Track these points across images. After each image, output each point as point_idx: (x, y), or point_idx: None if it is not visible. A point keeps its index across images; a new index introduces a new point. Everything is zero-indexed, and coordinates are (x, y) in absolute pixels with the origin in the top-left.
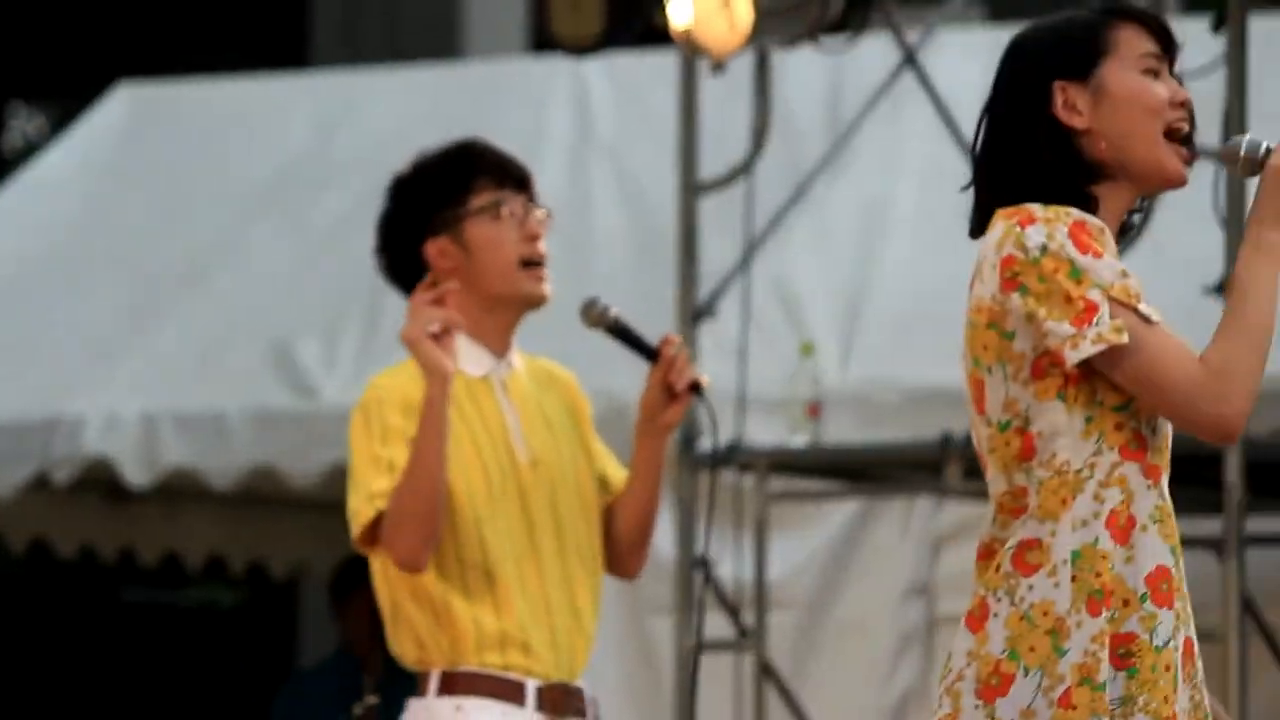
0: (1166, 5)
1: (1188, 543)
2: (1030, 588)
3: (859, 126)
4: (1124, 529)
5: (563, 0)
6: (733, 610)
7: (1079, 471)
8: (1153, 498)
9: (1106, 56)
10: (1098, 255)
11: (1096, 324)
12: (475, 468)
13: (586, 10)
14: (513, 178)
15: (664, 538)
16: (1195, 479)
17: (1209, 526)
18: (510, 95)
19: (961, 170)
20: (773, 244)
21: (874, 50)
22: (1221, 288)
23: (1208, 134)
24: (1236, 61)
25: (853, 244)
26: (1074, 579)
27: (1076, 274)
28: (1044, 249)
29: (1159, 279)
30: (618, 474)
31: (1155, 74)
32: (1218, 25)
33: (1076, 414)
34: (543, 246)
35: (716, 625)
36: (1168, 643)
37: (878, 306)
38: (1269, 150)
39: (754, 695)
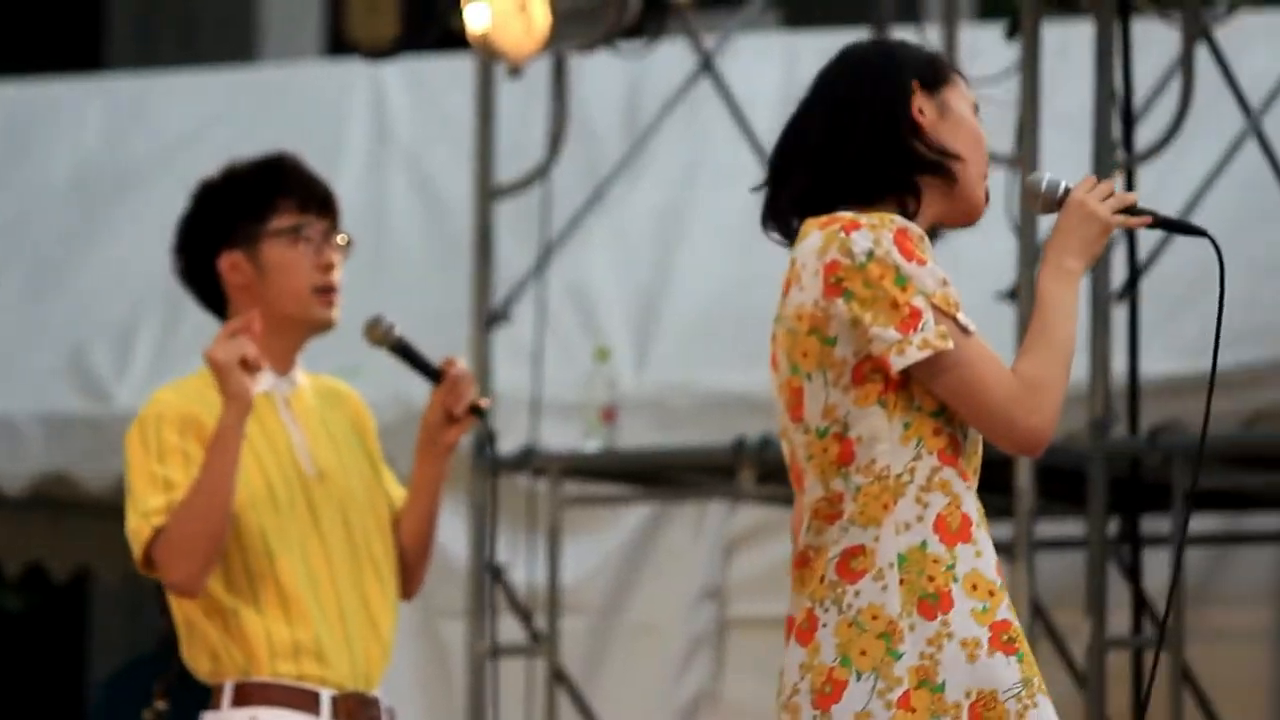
0: (960, 12)
1: None
2: (857, 594)
3: (656, 131)
4: (961, 529)
5: (359, 3)
6: (525, 615)
7: (899, 476)
8: (974, 500)
9: (950, 84)
10: (921, 262)
11: (922, 330)
12: (259, 482)
13: (383, 14)
14: (316, 201)
15: (457, 542)
16: (985, 484)
17: (999, 531)
18: (307, 98)
19: (758, 174)
20: (569, 248)
21: (671, 55)
22: (1014, 294)
23: (1002, 140)
24: (1030, 68)
25: (649, 249)
26: (902, 582)
27: (902, 280)
28: (870, 255)
29: (954, 283)
30: (398, 492)
31: None
32: (1011, 32)
33: (896, 420)
34: (337, 276)
35: (509, 630)
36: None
37: (673, 311)
38: (1067, 190)
39: (546, 700)
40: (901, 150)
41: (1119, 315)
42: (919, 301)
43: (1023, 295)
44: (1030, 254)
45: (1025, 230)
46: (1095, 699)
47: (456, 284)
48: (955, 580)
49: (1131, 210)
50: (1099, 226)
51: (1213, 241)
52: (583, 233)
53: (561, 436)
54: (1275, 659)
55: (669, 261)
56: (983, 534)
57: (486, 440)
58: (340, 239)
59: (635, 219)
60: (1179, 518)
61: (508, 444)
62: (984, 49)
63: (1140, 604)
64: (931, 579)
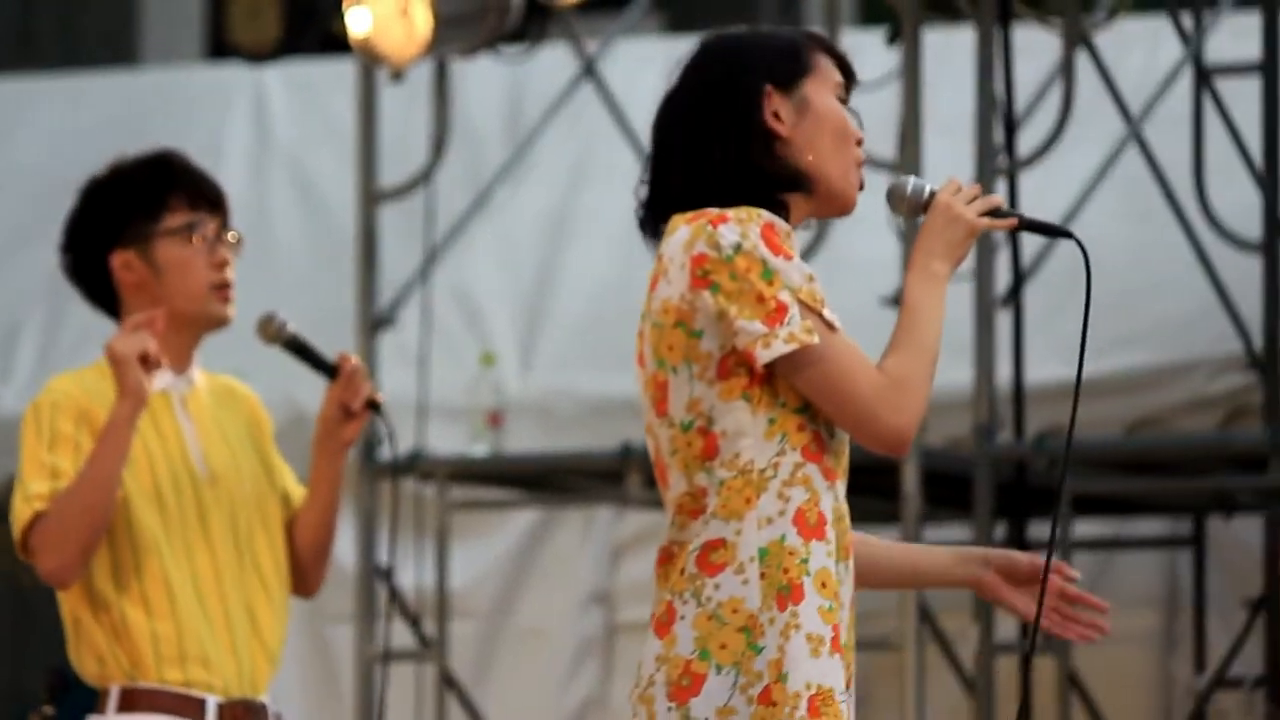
0: (841, 17)
1: None
2: (717, 586)
3: (539, 135)
4: (817, 525)
5: (241, 7)
6: (414, 620)
7: (763, 471)
8: (833, 499)
9: (810, 74)
10: (788, 257)
11: (788, 324)
12: (150, 481)
13: (265, 17)
14: (208, 199)
15: (344, 546)
16: (871, 489)
17: (886, 536)
18: (188, 103)
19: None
20: (453, 252)
21: (553, 59)
22: (898, 299)
23: (883, 146)
24: (911, 74)
25: (534, 252)
26: (763, 576)
27: (769, 274)
28: (738, 248)
29: (836, 286)
30: (297, 490)
31: (844, 104)
32: (893, 38)
33: (760, 414)
34: (231, 272)
35: (397, 634)
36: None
37: (559, 315)
38: (932, 194)
39: (435, 705)
40: (754, 171)
41: (1003, 320)
42: (785, 296)
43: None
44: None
45: (909, 235)
46: (983, 704)
47: (341, 288)
48: (808, 574)
49: (997, 213)
50: (964, 229)
51: (1079, 243)
52: (467, 237)
53: (448, 441)
54: (1160, 662)
55: (554, 265)
56: (836, 534)
57: (385, 436)
58: (231, 236)
59: (519, 223)
60: (1060, 521)
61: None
62: (865, 54)
63: None
64: (786, 571)
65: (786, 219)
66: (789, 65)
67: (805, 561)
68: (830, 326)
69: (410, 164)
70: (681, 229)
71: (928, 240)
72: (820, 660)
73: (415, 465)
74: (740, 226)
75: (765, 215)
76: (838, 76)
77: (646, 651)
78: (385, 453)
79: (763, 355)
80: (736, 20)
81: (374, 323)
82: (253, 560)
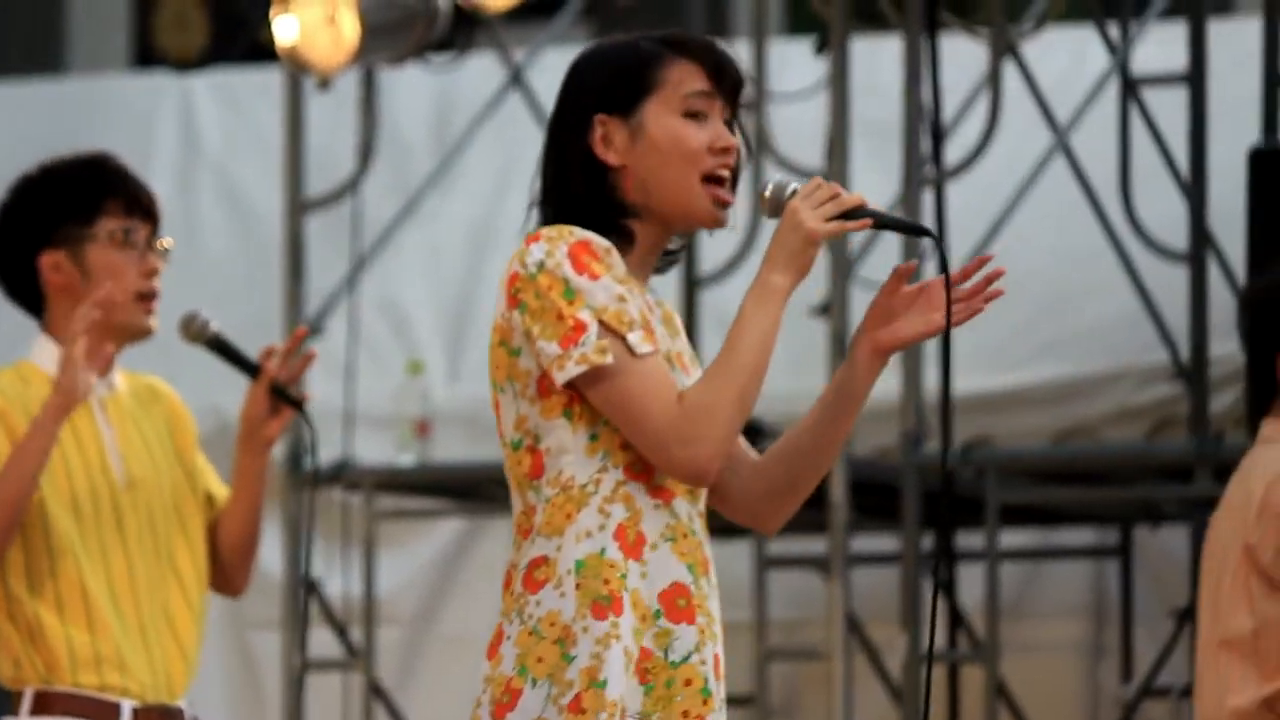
0: (769, 27)
1: (793, 562)
2: (538, 603)
3: (467, 144)
4: (635, 545)
5: (168, 15)
6: (340, 629)
7: (584, 487)
8: (663, 517)
9: (651, 94)
10: (594, 276)
11: (582, 344)
12: (67, 486)
13: (191, 25)
14: (143, 206)
15: (271, 555)
16: None
17: (814, 546)
18: (114, 111)
19: None
20: (381, 261)
21: (481, 68)
22: (826, 309)
23: (811, 155)
24: (839, 83)
25: (461, 261)
26: (579, 586)
27: (570, 293)
28: (541, 266)
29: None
30: (220, 491)
31: (701, 115)
32: (821, 47)
33: (581, 431)
34: (158, 282)
35: (323, 642)
36: (688, 658)
37: (485, 323)
38: (794, 193)
39: (362, 713)
40: (584, 205)
41: None
42: (584, 315)
43: (835, 310)
44: (843, 267)
45: (836, 243)
46: (911, 714)
47: (267, 297)
48: (626, 590)
49: (852, 214)
50: (803, 236)
51: (935, 240)
52: (394, 246)
53: (375, 450)
54: (1088, 672)
55: (480, 274)
56: (659, 555)
57: (307, 445)
58: (162, 244)
59: (446, 232)
60: (991, 532)
61: (321, 457)
62: (793, 63)
63: (955, 619)
64: (607, 582)
65: (634, 245)
66: (624, 89)
67: (625, 577)
68: (632, 351)
69: (337, 173)
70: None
71: (771, 249)
72: (629, 677)
73: (342, 474)
74: (548, 245)
75: (579, 234)
76: (696, 84)
77: (482, 676)
78: (310, 460)
79: (558, 377)
80: (663, 25)
81: None
82: (171, 565)
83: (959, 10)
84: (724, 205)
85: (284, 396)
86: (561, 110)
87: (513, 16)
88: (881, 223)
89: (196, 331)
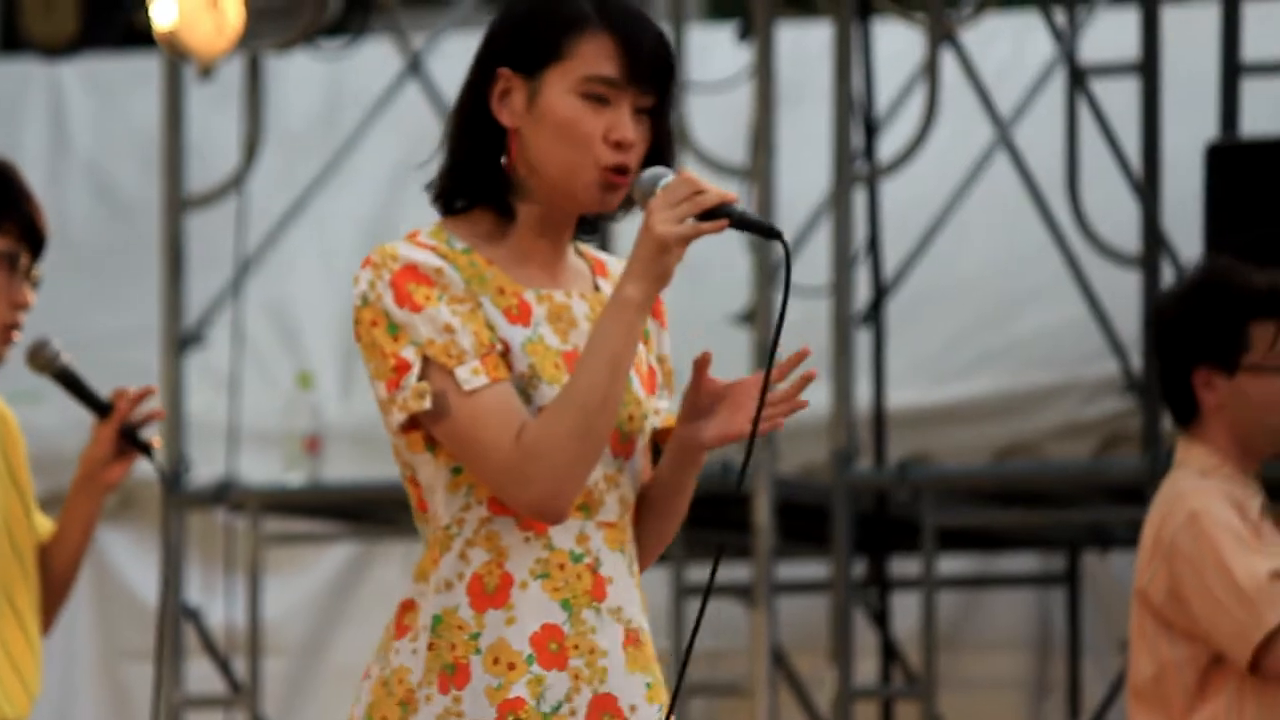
0: (688, 12)
1: (715, 590)
2: (396, 652)
3: (361, 136)
4: (498, 590)
5: None
6: (222, 661)
7: (447, 529)
8: (534, 551)
9: (556, 63)
10: (416, 309)
11: (403, 387)
12: None
13: (61, 8)
14: (37, 233)
15: (145, 581)
16: (721, 522)
17: (737, 573)
18: None
19: None
20: (268, 264)
21: (376, 55)
22: (750, 316)
23: (735, 151)
24: (764, 73)
25: (355, 264)
26: (430, 647)
27: (394, 329)
28: (365, 299)
29: (696, 305)
30: (45, 526)
31: (604, 99)
32: (744, 34)
33: (443, 466)
34: (24, 316)
35: (204, 675)
36: (558, 708)
37: None
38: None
39: None
40: (471, 165)
41: (862, 339)
42: (408, 353)
43: (759, 317)
44: (766, 274)
45: (760, 245)
46: None
47: (145, 303)
48: (478, 651)
49: (711, 214)
50: (654, 242)
51: (784, 244)
52: (282, 247)
53: (261, 469)
54: (1032, 708)
55: None
56: (528, 596)
57: (188, 462)
58: (36, 275)
59: (340, 231)
60: (927, 557)
61: (203, 476)
62: (715, 51)
63: (889, 651)
64: (454, 647)
65: (511, 219)
66: (534, 48)
67: (476, 637)
68: (461, 386)
69: (220, 168)
70: None
71: (631, 255)
72: None
73: (225, 495)
74: (372, 274)
75: (404, 256)
76: (604, 68)
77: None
78: (193, 480)
79: (389, 423)
80: None
81: (181, 340)
82: (6, 596)
83: None
84: (612, 187)
85: (133, 440)
86: (476, 56)
87: (409, 0)
88: (739, 223)
89: (45, 361)
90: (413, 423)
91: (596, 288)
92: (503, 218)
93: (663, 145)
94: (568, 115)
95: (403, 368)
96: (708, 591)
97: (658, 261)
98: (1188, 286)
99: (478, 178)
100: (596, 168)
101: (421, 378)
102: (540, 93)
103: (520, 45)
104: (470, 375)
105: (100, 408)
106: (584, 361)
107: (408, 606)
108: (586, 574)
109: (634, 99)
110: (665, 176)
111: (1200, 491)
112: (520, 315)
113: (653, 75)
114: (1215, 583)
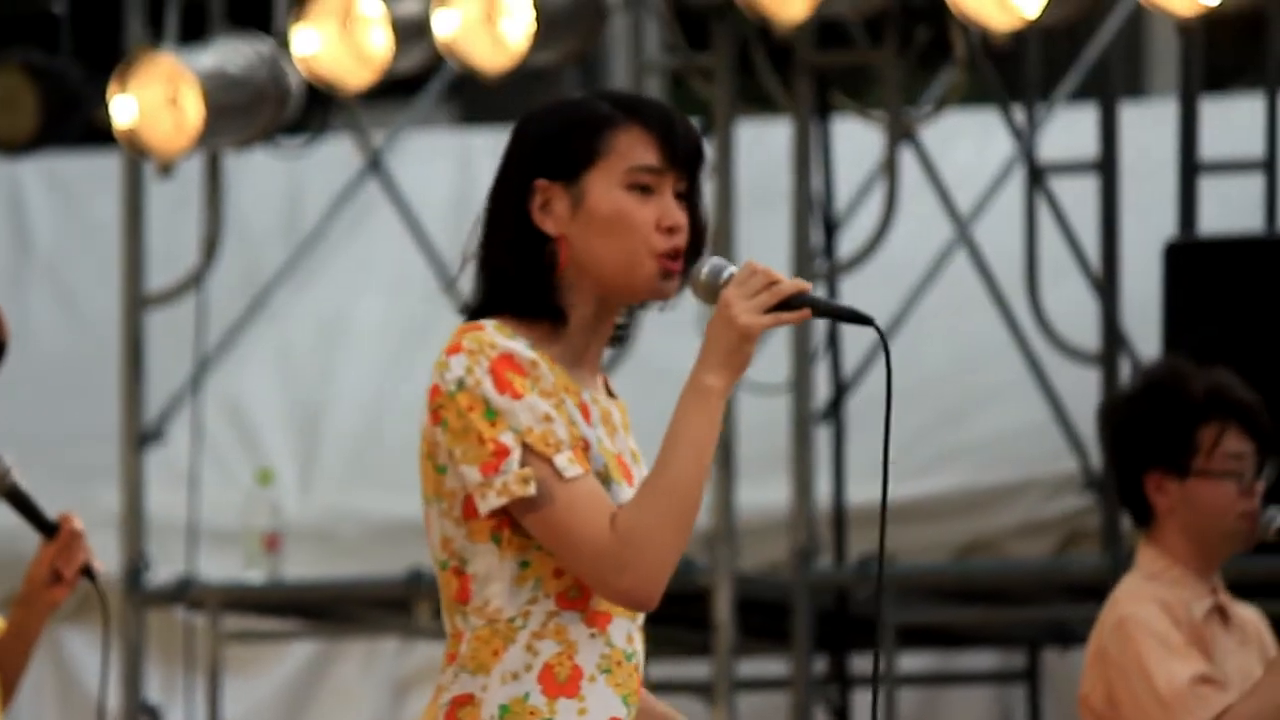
0: None
1: (673, 687)
2: None
3: (321, 235)
4: (569, 681)
5: None
6: None
7: (511, 620)
8: (599, 647)
9: (596, 162)
10: (517, 395)
11: (503, 472)
12: None
13: (20, 105)
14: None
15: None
16: (681, 619)
17: (697, 670)
18: None
19: (431, 281)
20: (227, 362)
21: (336, 153)
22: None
23: None
24: (724, 170)
25: (314, 362)
26: None
27: (491, 415)
28: (461, 384)
29: (643, 390)
30: None
31: (648, 189)
32: (704, 131)
33: (510, 558)
34: None
35: None
36: None
37: (340, 430)
38: (730, 278)
39: None
40: (521, 279)
41: (823, 435)
42: (507, 439)
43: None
44: (804, 347)
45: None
46: None
47: (105, 400)
48: None
49: (789, 304)
50: (738, 332)
51: (879, 332)
52: (241, 345)
53: (221, 567)
54: None
55: (335, 376)
56: (597, 689)
57: (147, 560)
58: None
59: (299, 330)
60: (887, 654)
61: (162, 574)
62: None
63: None
64: None
65: (565, 323)
66: (570, 154)
67: None
68: (560, 474)
69: (180, 266)
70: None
71: (705, 345)
72: None
73: (185, 593)
74: (469, 359)
75: (503, 346)
76: (645, 157)
77: None
78: (154, 578)
79: (480, 506)
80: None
81: (140, 437)
82: None
83: (852, 92)
84: (669, 275)
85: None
86: (502, 171)
87: (370, 97)
88: (822, 311)
89: None
90: (474, 509)
91: (610, 393)
92: (555, 323)
93: (699, 229)
94: (619, 209)
95: (502, 452)
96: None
97: (740, 352)
98: (1136, 389)
99: (529, 290)
100: (653, 256)
101: (521, 464)
102: (585, 195)
103: (554, 154)
104: (567, 464)
105: (46, 528)
106: (671, 450)
107: (463, 700)
108: (632, 676)
109: (674, 183)
110: (728, 267)
111: (1132, 597)
112: (587, 415)
113: (688, 159)
114: (1139, 688)
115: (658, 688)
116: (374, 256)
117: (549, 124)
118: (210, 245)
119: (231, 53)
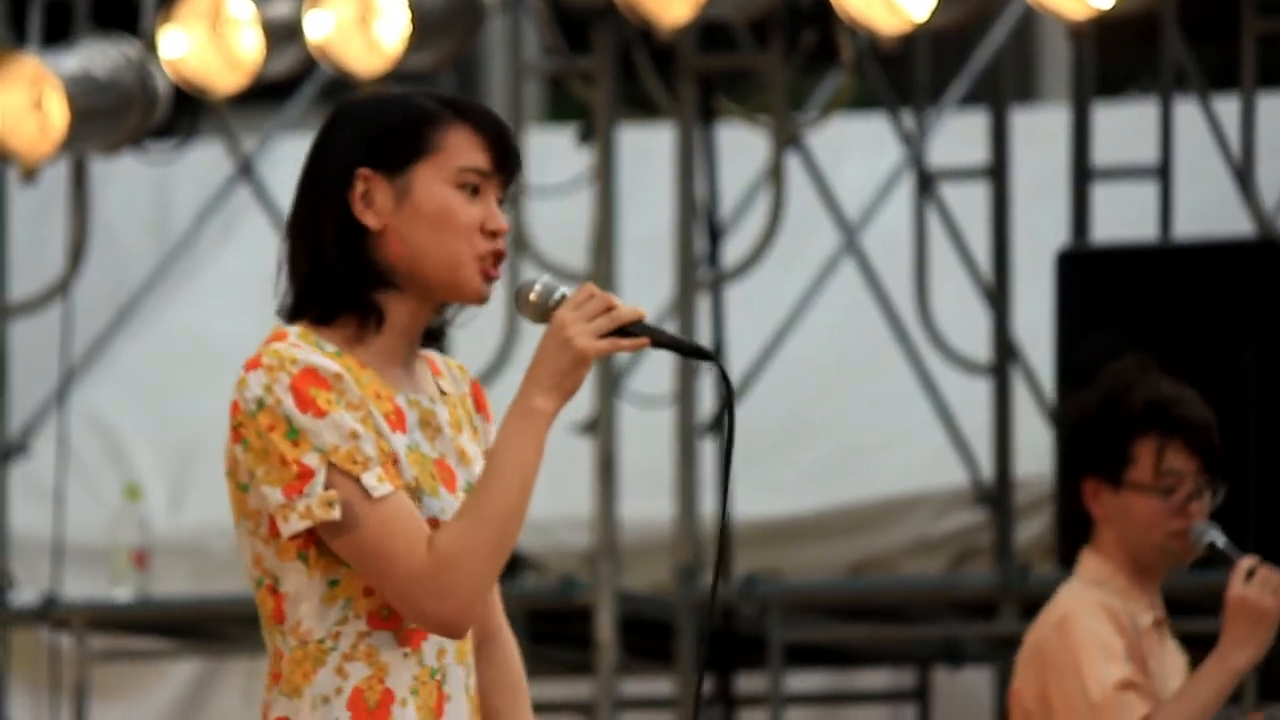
0: (526, 114)
1: (554, 708)
2: None
3: (191, 242)
4: (379, 707)
5: None
6: None
7: (321, 642)
8: (410, 667)
9: (424, 158)
10: (320, 413)
11: (306, 494)
12: None
13: None
14: None
15: None
16: (562, 638)
17: (579, 689)
18: None
19: None
20: (94, 373)
21: (206, 158)
22: (593, 425)
23: (574, 256)
24: (605, 177)
25: (185, 373)
26: None
27: (294, 434)
28: (260, 403)
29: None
30: None
31: (476, 190)
32: (585, 136)
33: (318, 577)
34: None
35: None
36: None
37: (213, 445)
38: (562, 299)
39: None
40: (337, 270)
41: (707, 451)
42: (311, 460)
43: (601, 427)
44: (609, 382)
45: (603, 357)
46: None
47: None
48: None
49: (628, 330)
50: (572, 355)
51: (720, 366)
52: (109, 356)
53: (87, 585)
54: None
55: (205, 389)
56: (407, 713)
57: (10, 579)
58: None
59: (169, 340)
60: (775, 674)
61: (26, 593)
62: (554, 155)
63: None
64: None
65: (380, 322)
66: (397, 146)
67: None
68: (368, 494)
69: (44, 274)
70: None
71: (535, 366)
72: None
73: (49, 612)
74: (268, 376)
75: (302, 360)
76: (474, 158)
77: None
78: (17, 597)
79: (283, 529)
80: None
81: (4, 451)
82: None
83: (737, 96)
84: (490, 279)
85: None
86: (317, 159)
87: (240, 101)
88: (660, 342)
89: None
90: (279, 528)
91: (441, 390)
92: (365, 321)
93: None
94: (446, 205)
95: (306, 474)
96: None
97: (573, 375)
98: (1089, 392)
99: (343, 282)
100: (475, 258)
101: (326, 486)
102: (412, 189)
103: (380, 145)
104: (376, 482)
105: None
106: (494, 474)
107: None
108: (435, 690)
109: (497, 189)
110: (559, 288)
111: (1076, 598)
112: (398, 422)
113: (513, 166)
114: (1072, 689)
115: (539, 708)
116: (244, 265)
117: (375, 115)
118: (76, 253)
119: (97, 55)
